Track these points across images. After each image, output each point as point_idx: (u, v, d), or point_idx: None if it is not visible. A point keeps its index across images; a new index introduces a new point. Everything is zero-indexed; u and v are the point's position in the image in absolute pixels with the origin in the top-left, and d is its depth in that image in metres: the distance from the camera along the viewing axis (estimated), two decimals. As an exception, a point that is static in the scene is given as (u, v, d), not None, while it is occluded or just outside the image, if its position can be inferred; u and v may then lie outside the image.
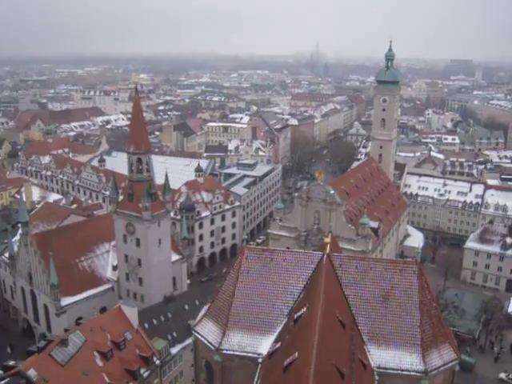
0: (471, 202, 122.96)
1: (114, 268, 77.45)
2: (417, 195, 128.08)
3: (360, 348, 43.33)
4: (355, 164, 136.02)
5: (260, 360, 44.36)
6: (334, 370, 34.54)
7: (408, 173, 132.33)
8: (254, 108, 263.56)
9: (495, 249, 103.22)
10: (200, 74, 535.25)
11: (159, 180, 76.52)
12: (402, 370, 43.66)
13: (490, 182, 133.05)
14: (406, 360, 43.93)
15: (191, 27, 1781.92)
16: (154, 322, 62.65)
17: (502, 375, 75.50)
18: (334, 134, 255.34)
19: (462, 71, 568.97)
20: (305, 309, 41.95)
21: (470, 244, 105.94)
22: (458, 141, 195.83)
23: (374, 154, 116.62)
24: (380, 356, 44.19)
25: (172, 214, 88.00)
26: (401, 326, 44.92)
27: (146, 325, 60.73)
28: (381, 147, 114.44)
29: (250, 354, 44.94)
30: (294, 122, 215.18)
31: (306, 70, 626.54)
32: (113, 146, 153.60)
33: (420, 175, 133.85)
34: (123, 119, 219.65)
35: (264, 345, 45.05)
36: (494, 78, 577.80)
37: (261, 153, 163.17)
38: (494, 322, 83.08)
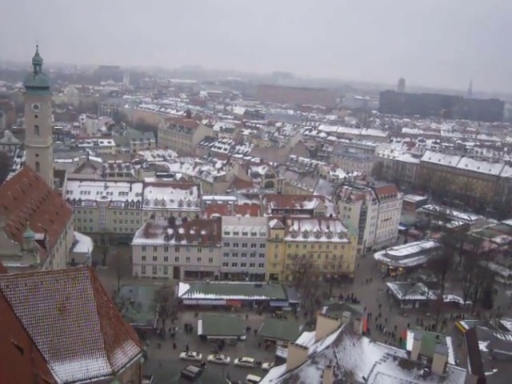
0: (133, 201, 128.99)
1: None
2: (80, 200, 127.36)
3: (43, 368, 41.22)
4: (11, 175, 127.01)
5: None
6: (16, 400, 32.06)
7: (68, 179, 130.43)
8: None
9: (159, 241, 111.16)
10: None
11: None
12: (91, 378, 43.47)
13: (147, 179, 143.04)
14: (93, 367, 43.86)
15: None
16: None
17: (183, 354, 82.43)
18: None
19: (111, 76, 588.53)
20: (-28, 342, 37.51)
21: (137, 240, 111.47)
22: (113, 143, 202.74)
23: (30, 162, 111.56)
24: (66, 370, 42.98)
25: None
26: (82, 334, 44.52)
27: None
28: (37, 155, 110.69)
29: None
30: None
31: None
32: None
33: (81, 180, 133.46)
34: None
35: None
36: (140, 83, 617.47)
37: None
38: (168, 308, 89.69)
